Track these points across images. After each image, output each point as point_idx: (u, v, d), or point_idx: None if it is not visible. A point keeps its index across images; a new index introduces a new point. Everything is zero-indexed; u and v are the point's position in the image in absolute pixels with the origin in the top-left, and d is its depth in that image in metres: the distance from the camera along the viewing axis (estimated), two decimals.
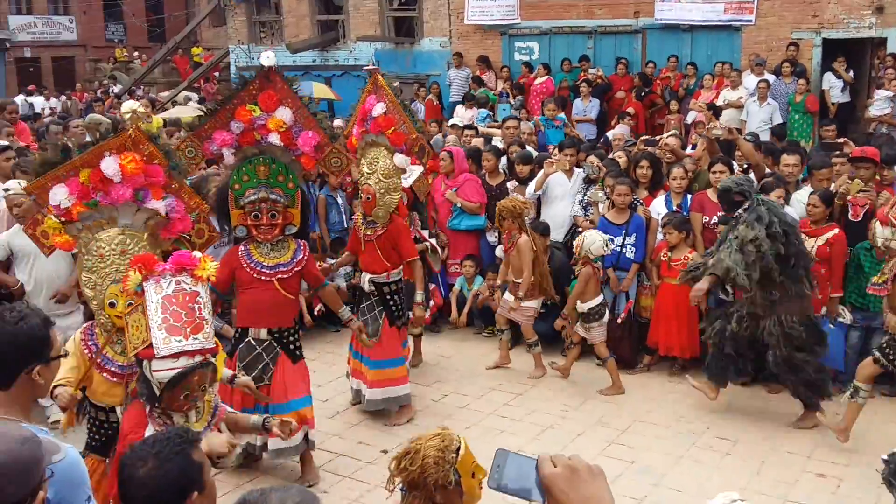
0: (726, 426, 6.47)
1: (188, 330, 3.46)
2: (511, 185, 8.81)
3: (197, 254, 3.70)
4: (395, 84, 6.97)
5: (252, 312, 5.52)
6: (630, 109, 13.41)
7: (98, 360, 4.18)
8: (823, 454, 6.01)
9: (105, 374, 4.21)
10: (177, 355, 3.40)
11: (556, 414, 6.63)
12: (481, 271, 8.67)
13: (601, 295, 7.12)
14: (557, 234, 8.36)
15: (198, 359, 3.45)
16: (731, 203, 6.25)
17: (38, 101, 21.79)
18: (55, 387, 3.94)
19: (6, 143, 8.47)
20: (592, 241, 6.92)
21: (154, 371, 3.40)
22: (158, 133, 12.40)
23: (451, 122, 10.98)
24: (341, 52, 19.04)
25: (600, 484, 1.50)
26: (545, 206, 8.48)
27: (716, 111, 12.32)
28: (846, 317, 6.88)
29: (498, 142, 10.27)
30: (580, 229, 8.17)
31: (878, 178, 7.14)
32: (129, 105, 9.98)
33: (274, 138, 5.42)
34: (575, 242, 7.22)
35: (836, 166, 7.68)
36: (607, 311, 7.17)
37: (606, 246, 7.00)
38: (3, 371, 2.75)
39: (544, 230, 7.79)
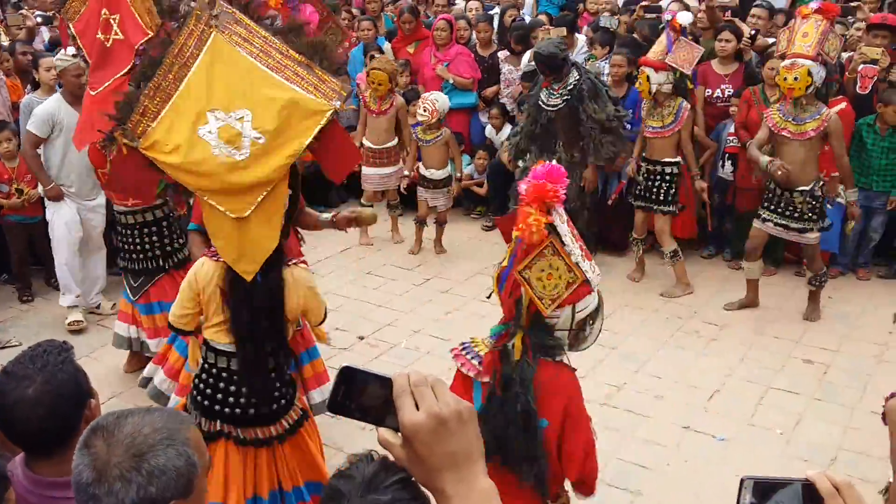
0: (715, 311, 6.26)
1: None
2: (502, 54, 8.30)
3: None
4: None
5: None
6: None
7: None
8: (813, 339, 5.82)
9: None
10: None
11: None
12: (470, 151, 8.31)
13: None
14: None
15: None
16: (555, 67, 6.34)
17: None
18: None
19: None
20: (444, 102, 7.17)
21: (581, 311, 2.87)
22: None
23: None
24: None
25: (470, 432, 1.25)
26: None
27: None
28: (847, 197, 6.48)
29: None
30: None
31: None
32: None
33: None
34: (425, 107, 7.11)
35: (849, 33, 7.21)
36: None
37: None
38: None
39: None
